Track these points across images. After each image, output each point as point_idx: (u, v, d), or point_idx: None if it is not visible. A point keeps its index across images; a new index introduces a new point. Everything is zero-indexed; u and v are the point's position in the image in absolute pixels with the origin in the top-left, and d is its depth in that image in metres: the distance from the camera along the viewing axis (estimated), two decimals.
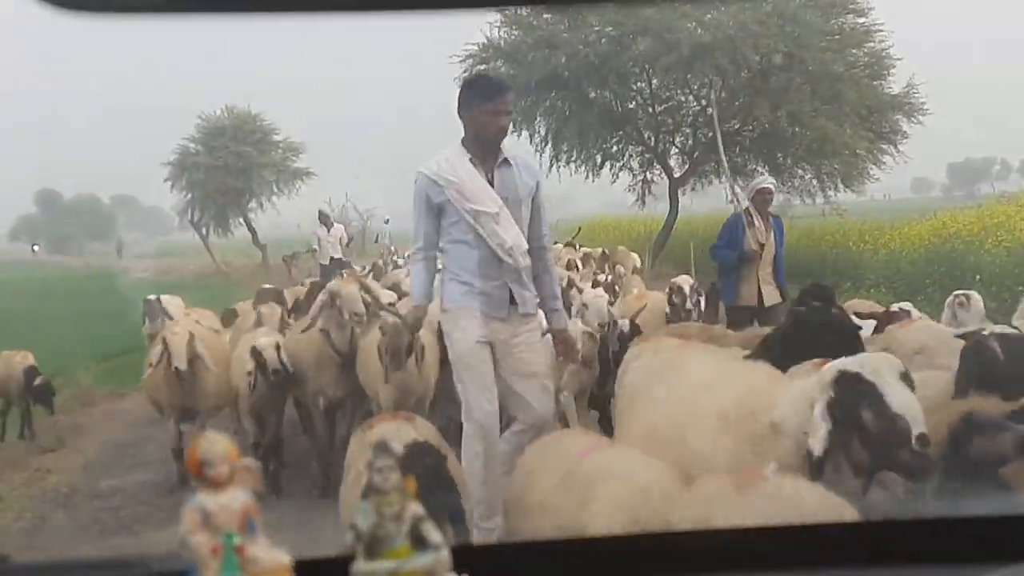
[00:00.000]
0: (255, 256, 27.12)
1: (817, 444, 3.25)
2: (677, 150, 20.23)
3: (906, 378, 3.33)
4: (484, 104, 4.99)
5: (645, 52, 17.17)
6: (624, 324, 6.95)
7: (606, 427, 6.24)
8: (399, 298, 8.37)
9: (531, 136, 19.38)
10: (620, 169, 20.70)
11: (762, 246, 8.19)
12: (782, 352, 4.67)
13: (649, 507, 2.88)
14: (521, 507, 3.43)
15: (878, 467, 3.33)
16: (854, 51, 17.90)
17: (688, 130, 19.73)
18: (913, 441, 3.14)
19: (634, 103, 19.45)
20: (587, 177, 20.40)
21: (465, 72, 18.80)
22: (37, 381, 9.41)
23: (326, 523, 5.58)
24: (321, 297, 7.22)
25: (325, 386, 7.08)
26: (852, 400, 3.29)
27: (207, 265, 27.65)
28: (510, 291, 5.03)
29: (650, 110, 19.39)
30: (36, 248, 52.47)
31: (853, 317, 5.51)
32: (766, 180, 8.92)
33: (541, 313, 5.32)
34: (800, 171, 19.08)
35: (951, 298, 6.99)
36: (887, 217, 20.52)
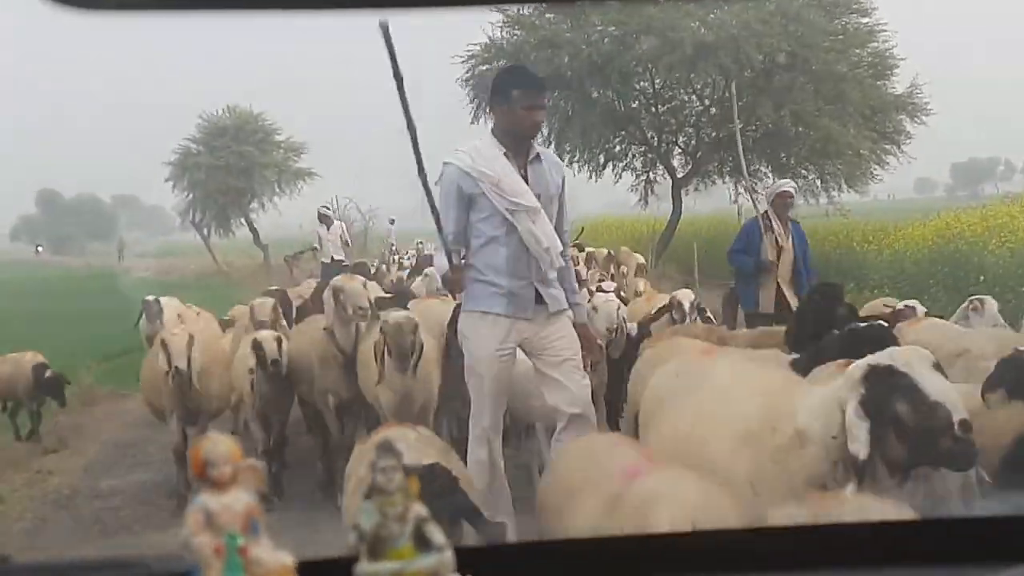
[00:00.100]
0: (256, 256, 27.15)
1: (860, 447, 3.11)
2: (680, 150, 20.23)
3: (938, 368, 3.22)
4: (522, 98, 4.84)
5: (648, 51, 17.17)
6: (632, 328, 6.87)
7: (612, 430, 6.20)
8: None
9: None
10: (623, 169, 20.71)
11: (780, 252, 8.00)
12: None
13: None
14: (561, 530, 3.26)
15: (916, 462, 3.19)
16: (858, 51, 17.90)
17: (691, 130, 19.73)
18: (956, 427, 3.02)
19: (637, 103, 19.45)
20: (590, 177, 20.39)
21: (468, 72, 18.82)
22: (47, 374, 9.40)
23: (329, 525, 5.54)
24: (325, 294, 7.15)
25: (332, 386, 6.99)
26: (885, 394, 3.15)
27: (208, 265, 27.68)
28: (536, 291, 4.90)
29: (653, 110, 19.40)
30: (40, 249, 52.57)
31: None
32: (787, 183, 8.70)
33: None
34: (804, 171, 19.07)
35: (966, 303, 6.95)
36: (891, 217, 20.52)
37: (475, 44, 18.53)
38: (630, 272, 13.63)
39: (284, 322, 8.55)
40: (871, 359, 3.27)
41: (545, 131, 19.12)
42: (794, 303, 7.90)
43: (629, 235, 23.29)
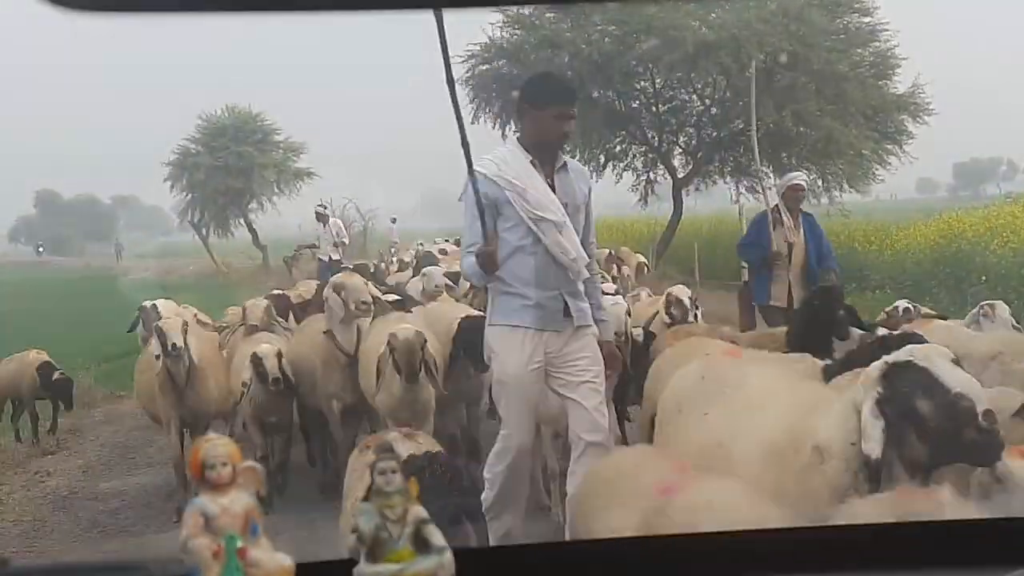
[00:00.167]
0: (256, 257, 27.16)
1: (874, 445, 2.99)
2: (681, 150, 20.23)
3: (957, 363, 3.11)
4: (553, 107, 4.71)
5: (649, 51, 17.17)
6: (638, 333, 6.77)
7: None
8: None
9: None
10: (623, 169, 20.70)
11: (791, 246, 7.88)
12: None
13: None
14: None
15: (939, 461, 3.06)
16: (859, 51, 17.90)
17: (692, 130, 19.73)
18: (980, 418, 2.90)
19: (637, 102, 19.45)
20: (590, 177, 20.33)
21: (468, 72, 18.80)
22: (55, 376, 9.37)
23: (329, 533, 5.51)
24: (325, 293, 7.05)
25: (336, 389, 6.87)
26: (905, 391, 3.04)
27: (207, 266, 27.69)
28: (564, 302, 4.75)
29: (654, 109, 19.40)
30: (41, 249, 52.60)
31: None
32: (798, 176, 8.54)
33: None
34: (805, 171, 19.06)
35: (977, 308, 6.92)
36: (892, 218, 20.56)
37: (475, 44, 18.53)
38: (631, 272, 13.61)
39: (281, 324, 8.43)
40: (889, 357, 3.17)
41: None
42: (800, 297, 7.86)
43: (629, 235, 23.29)
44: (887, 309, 7.58)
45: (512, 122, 18.46)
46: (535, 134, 4.76)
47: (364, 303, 6.72)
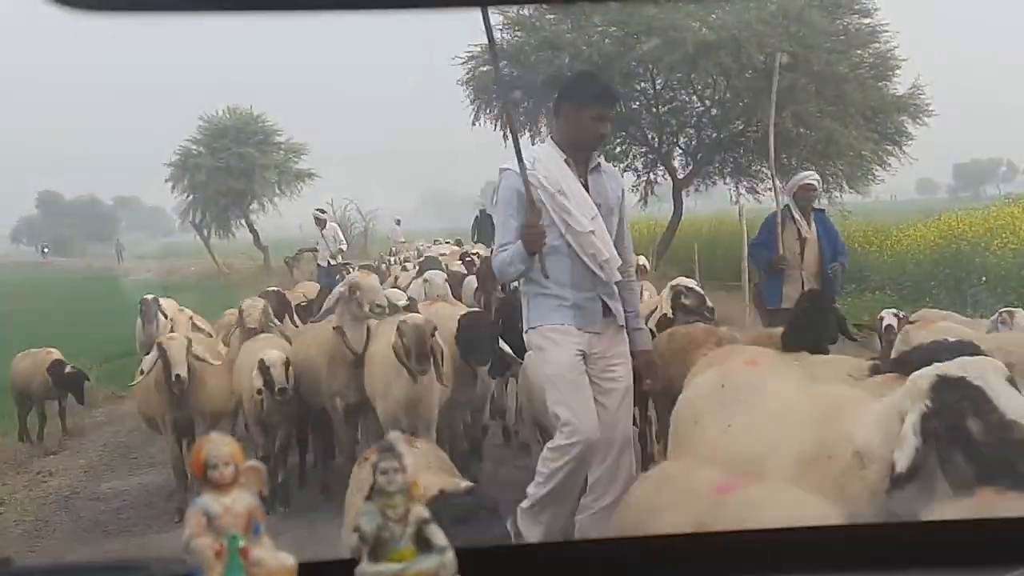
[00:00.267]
0: (257, 258, 27.13)
1: (903, 459, 2.85)
2: (681, 151, 20.20)
3: (1012, 383, 2.94)
4: (592, 108, 4.64)
5: (649, 52, 17.15)
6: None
7: None
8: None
9: (533, 138, 19.36)
10: (624, 170, 20.62)
11: (804, 244, 7.73)
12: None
13: None
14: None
15: (985, 483, 2.79)
16: (859, 52, 17.87)
17: (692, 131, 19.70)
18: None
19: (638, 103, 19.41)
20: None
21: (468, 74, 18.79)
22: (67, 369, 9.36)
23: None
24: (339, 289, 6.97)
25: (340, 388, 6.79)
26: (955, 408, 2.88)
27: (209, 267, 27.67)
28: (602, 302, 4.67)
29: (654, 110, 19.36)
30: (46, 250, 52.57)
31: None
32: (810, 175, 8.32)
33: None
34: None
35: (995, 315, 6.87)
36: (892, 219, 20.54)
37: (476, 45, 18.51)
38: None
39: (279, 324, 8.37)
40: (940, 368, 3.01)
41: (545, 132, 19.11)
42: None
43: None
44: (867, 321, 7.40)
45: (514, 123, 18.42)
46: (571, 134, 4.68)
47: (379, 305, 6.67)
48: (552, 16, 17.76)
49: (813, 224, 7.86)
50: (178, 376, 6.60)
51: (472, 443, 7.14)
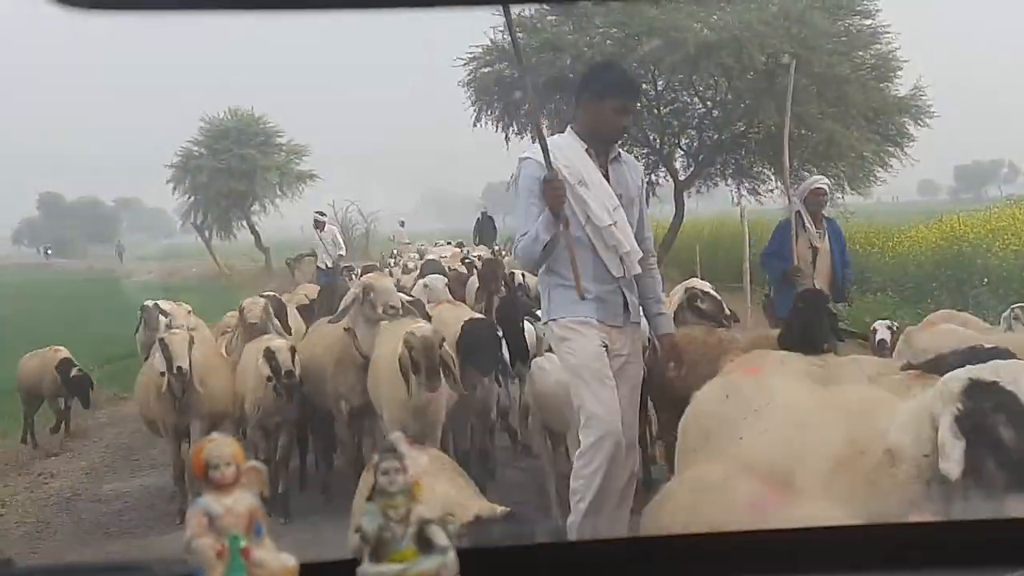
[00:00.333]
0: (258, 259, 27.14)
1: (953, 466, 2.78)
2: (682, 152, 20.17)
3: None
4: (614, 99, 4.59)
5: (650, 53, 17.13)
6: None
7: None
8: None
9: (534, 139, 19.34)
10: None
11: (815, 252, 7.61)
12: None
13: None
14: None
15: (1018, 490, 2.81)
16: (860, 53, 17.84)
17: (693, 132, 19.67)
18: None
19: (639, 105, 19.36)
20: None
21: (469, 75, 18.77)
22: (73, 372, 9.36)
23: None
24: (353, 291, 6.96)
25: (346, 391, 6.71)
26: (987, 413, 2.82)
27: (210, 268, 27.68)
28: (623, 296, 4.62)
29: (655, 111, 19.34)
30: (49, 252, 52.58)
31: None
32: (819, 180, 8.24)
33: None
34: (806, 174, 18.96)
35: (1008, 311, 6.83)
36: (894, 220, 20.52)
37: (477, 46, 18.50)
38: None
39: (278, 326, 8.36)
40: (973, 371, 2.96)
41: (546, 133, 19.07)
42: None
43: None
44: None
45: (514, 124, 18.41)
46: (593, 125, 4.64)
47: (392, 307, 6.62)
48: (553, 17, 17.75)
49: (826, 231, 7.76)
50: (179, 368, 6.54)
51: (482, 448, 7.09)
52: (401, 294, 8.29)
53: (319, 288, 11.68)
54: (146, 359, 7.51)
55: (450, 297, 9.14)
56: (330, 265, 14.67)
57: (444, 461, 4.04)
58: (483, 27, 17.84)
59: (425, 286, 9.52)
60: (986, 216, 17.33)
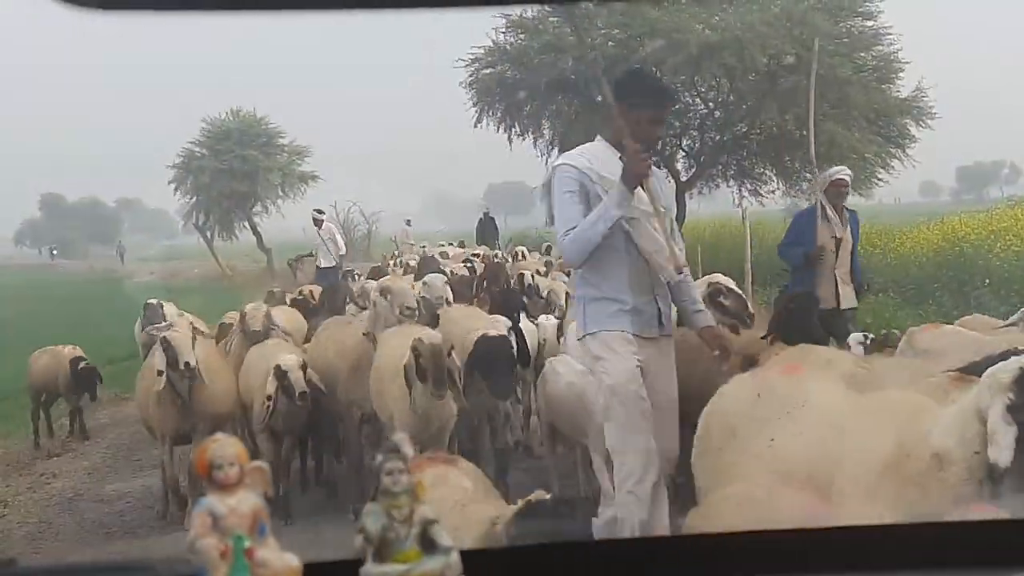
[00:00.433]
0: (260, 260, 27.14)
1: (1003, 452, 2.78)
2: (684, 153, 20.16)
3: None
4: (648, 110, 4.55)
5: (652, 54, 17.12)
6: None
7: None
8: None
9: (535, 140, 19.34)
10: None
11: (838, 243, 7.50)
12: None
13: None
14: None
15: None
16: (862, 54, 17.83)
17: (695, 133, 19.66)
18: None
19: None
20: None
21: (471, 76, 18.77)
22: (81, 366, 9.38)
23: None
24: (373, 295, 6.92)
25: (359, 398, 6.59)
26: None
27: (212, 269, 27.69)
28: (658, 307, 4.57)
29: None
30: (55, 253, 52.64)
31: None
32: (841, 170, 8.13)
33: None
34: (808, 175, 19.00)
35: (1021, 311, 6.79)
36: (896, 221, 20.50)
37: (479, 47, 18.50)
38: None
39: (279, 330, 8.29)
40: (1022, 361, 2.94)
41: (548, 135, 19.12)
42: (847, 299, 7.48)
43: None
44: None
45: (516, 125, 18.40)
46: (627, 134, 4.54)
47: (409, 308, 6.59)
48: (555, 19, 17.75)
49: (847, 222, 7.67)
50: (187, 364, 6.38)
51: (498, 453, 6.96)
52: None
53: (322, 289, 11.66)
54: (146, 359, 7.48)
55: (450, 294, 9.09)
56: (330, 264, 14.66)
57: (477, 476, 3.83)
58: (484, 28, 17.83)
59: (424, 283, 9.49)
60: (988, 217, 17.32)
